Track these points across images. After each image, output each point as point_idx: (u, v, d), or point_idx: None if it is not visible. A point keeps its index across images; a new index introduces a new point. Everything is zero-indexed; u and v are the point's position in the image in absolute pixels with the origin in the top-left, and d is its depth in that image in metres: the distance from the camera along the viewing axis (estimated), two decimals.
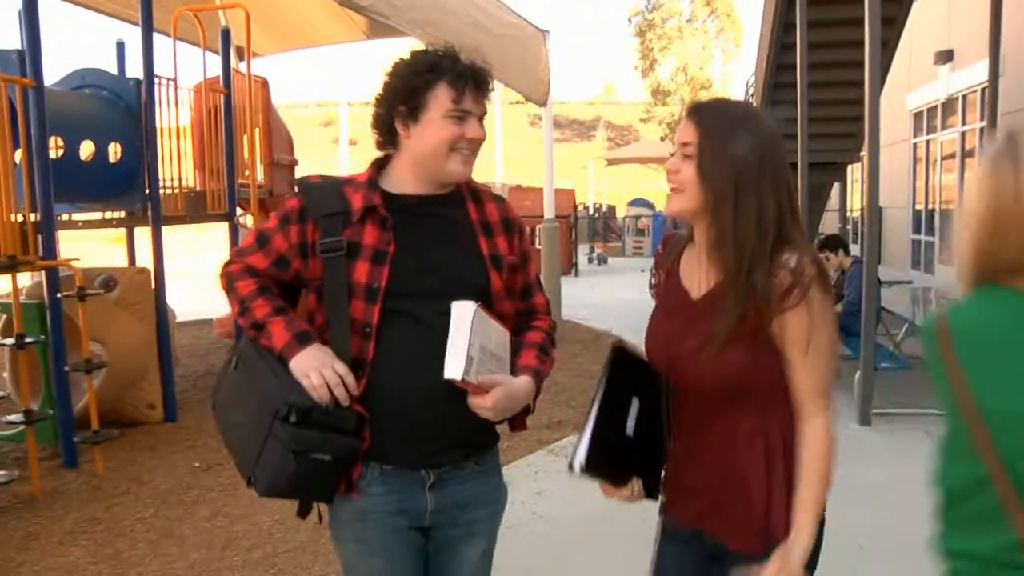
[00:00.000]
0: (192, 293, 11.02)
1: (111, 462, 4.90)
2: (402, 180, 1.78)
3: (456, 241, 1.80)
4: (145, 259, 7.11)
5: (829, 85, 9.45)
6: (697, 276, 1.65)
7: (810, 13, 8.19)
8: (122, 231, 7.36)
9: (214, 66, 6.91)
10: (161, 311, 5.75)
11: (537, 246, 10.63)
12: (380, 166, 1.82)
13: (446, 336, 1.62)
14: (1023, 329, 1.25)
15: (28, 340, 4.28)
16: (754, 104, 12.14)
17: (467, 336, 1.59)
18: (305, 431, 1.61)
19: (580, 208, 24.81)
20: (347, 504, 1.76)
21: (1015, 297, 1.26)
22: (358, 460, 1.71)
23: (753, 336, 1.54)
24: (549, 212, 9.39)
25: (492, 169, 29.23)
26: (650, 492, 1.70)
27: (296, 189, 1.82)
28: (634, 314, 12.10)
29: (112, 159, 5.53)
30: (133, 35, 7.73)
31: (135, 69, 6.94)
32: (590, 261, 19.34)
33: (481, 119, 1.78)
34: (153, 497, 4.46)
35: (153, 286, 5.74)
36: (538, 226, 13.24)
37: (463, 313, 1.61)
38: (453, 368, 1.58)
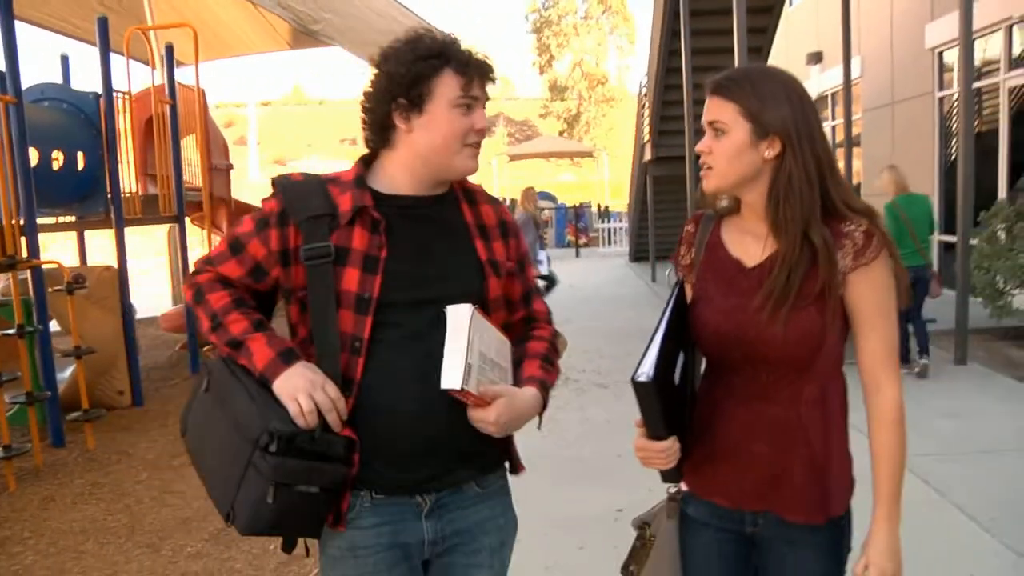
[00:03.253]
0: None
1: (93, 442, 5.46)
2: (395, 179, 1.63)
3: (452, 246, 1.65)
4: (92, 259, 7.59)
5: None
6: (750, 245, 1.60)
7: (692, 23, 9.27)
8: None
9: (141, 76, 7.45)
10: (126, 306, 6.29)
11: None
12: (366, 163, 1.67)
13: (441, 349, 1.50)
14: (905, 202, 6.37)
15: (28, 330, 4.82)
16: (648, 104, 13.24)
17: (465, 341, 1.46)
18: (289, 461, 1.44)
19: None
20: (335, 539, 1.59)
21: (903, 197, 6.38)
22: (347, 489, 1.55)
23: (823, 299, 1.50)
24: None
25: None
26: (670, 474, 1.59)
27: (273, 188, 1.63)
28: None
29: (78, 167, 6.04)
30: (71, 48, 8.16)
31: (77, 81, 7.43)
32: None
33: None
34: (144, 464, 5.06)
35: (118, 283, 6.28)
36: None
37: (459, 316, 1.49)
38: (451, 377, 1.44)
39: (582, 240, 20.94)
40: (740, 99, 1.53)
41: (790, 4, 14.49)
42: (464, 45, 1.61)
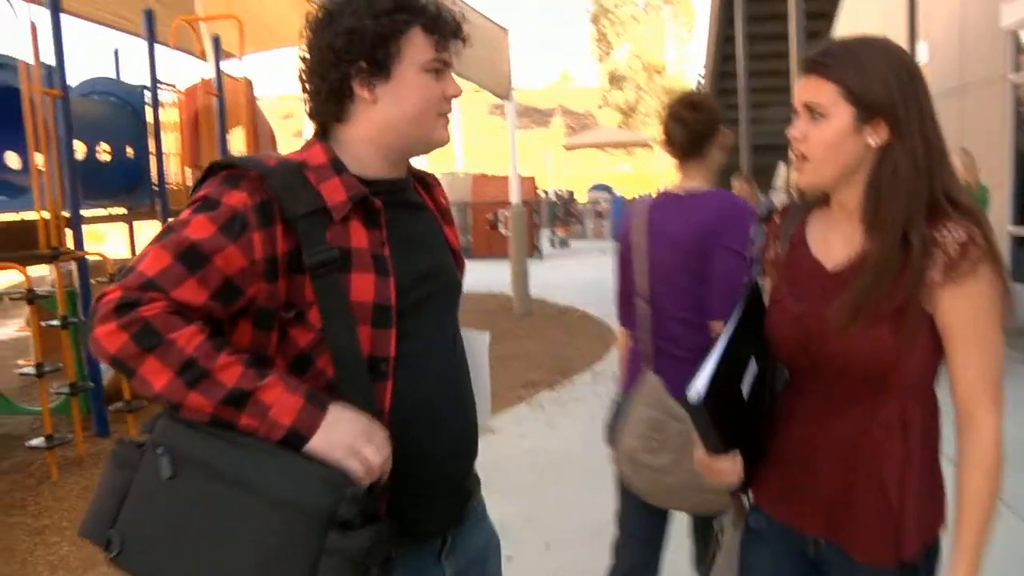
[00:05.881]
0: None
1: (135, 431, 5.51)
2: (362, 159, 1.33)
3: (433, 234, 1.45)
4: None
5: (773, 73, 10.31)
6: (834, 246, 1.42)
7: (748, 9, 8.98)
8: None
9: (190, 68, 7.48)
10: None
11: (504, 231, 11.34)
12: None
13: (462, 360, 1.41)
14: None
15: (72, 321, 4.87)
16: (704, 91, 12.94)
17: (488, 373, 1.47)
18: (372, 530, 1.13)
19: (540, 194, 25.64)
20: None
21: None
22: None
23: (903, 311, 1.32)
24: (515, 198, 10.06)
25: (452, 157, 29.87)
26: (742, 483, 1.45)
27: (237, 173, 1.23)
28: (597, 291, 12.93)
29: (124, 159, 6.10)
30: (125, 43, 8.27)
31: (130, 76, 7.52)
32: (552, 244, 20.17)
33: None
34: None
35: None
36: (500, 211, 13.88)
37: (479, 346, 1.46)
38: (486, 415, 1.46)
39: None
40: (842, 78, 1.32)
41: None
42: None
